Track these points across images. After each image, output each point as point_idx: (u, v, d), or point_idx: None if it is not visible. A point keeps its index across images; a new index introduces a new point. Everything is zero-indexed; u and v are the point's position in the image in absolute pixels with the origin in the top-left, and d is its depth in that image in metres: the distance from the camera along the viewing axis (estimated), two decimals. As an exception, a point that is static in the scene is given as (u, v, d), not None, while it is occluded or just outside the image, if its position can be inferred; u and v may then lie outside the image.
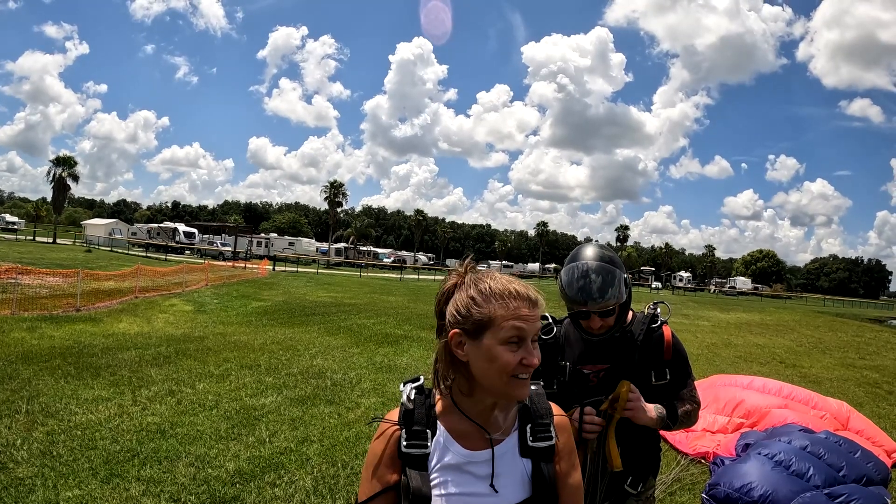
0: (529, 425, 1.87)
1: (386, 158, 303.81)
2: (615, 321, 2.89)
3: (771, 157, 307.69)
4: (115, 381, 9.28)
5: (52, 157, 78.80)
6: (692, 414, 2.93)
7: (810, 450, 6.49)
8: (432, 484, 1.75)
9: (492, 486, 1.75)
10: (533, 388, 1.92)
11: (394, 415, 1.86)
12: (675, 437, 7.88)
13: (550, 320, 3.06)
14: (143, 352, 11.72)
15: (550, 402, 1.97)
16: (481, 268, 1.91)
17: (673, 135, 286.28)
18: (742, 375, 10.49)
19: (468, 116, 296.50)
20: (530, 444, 1.84)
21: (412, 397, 1.87)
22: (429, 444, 1.79)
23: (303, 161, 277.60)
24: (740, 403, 8.44)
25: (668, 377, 2.90)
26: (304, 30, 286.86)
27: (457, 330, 1.77)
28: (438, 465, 1.77)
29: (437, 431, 1.82)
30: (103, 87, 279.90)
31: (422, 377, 1.94)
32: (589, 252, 2.88)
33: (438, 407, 1.87)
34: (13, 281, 16.81)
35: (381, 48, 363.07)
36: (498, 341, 1.71)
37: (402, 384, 1.93)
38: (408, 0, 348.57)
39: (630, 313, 3.02)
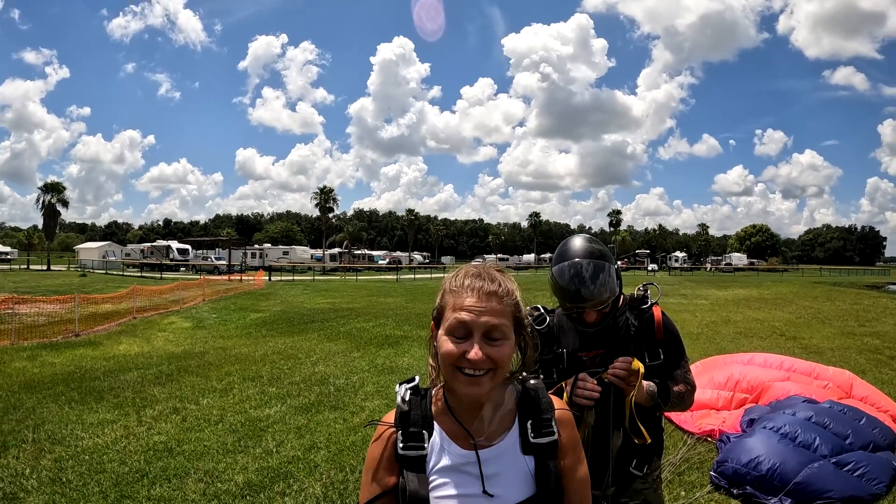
0: (530, 421, 1.82)
1: (374, 160, 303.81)
2: (610, 309, 2.94)
3: (758, 131, 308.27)
4: (118, 403, 9.30)
5: (40, 183, 78.53)
6: (686, 396, 2.93)
7: (815, 420, 6.53)
8: (431, 486, 1.73)
9: (484, 492, 1.72)
10: (533, 382, 1.90)
11: (391, 417, 1.84)
12: (680, 417, 7.90)
13: (543, 310, 3.07)
14: (145, 372, 11.74)
15: (552, 396, 1.92)
16: (477, 261, 1.97)
17: (659, 116, 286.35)
18: (742, 353, 10.53)
19: (454, 112, 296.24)
20: (532, 440, 1.80)
21: (407, 398, 1.83)
22: (426, 445, 1.77)
23: (291, 169, 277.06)
24: (742, 379, 8.46)
25: (662, 357, 2.93)
26: (284, 37, 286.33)
27: (432, 322, 1.83)
28: (436, 467, 1.75)
29: (434, 432, 1.80)
30: (86, 110, 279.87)
31: (417, 377, 1.91)
32: (577, 247, 2.90)
33: (435, 407, 1.85)
34: (10, 311, 16.77)
35: (362, 50, 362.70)
36: (444, 331, 1.72)
37: (397, 385, 1.90)
38: (386, 0, 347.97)
39: (621, 297, 3.04)
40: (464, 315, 1.68)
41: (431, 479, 1.74)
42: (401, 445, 1.76)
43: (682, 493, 5.91)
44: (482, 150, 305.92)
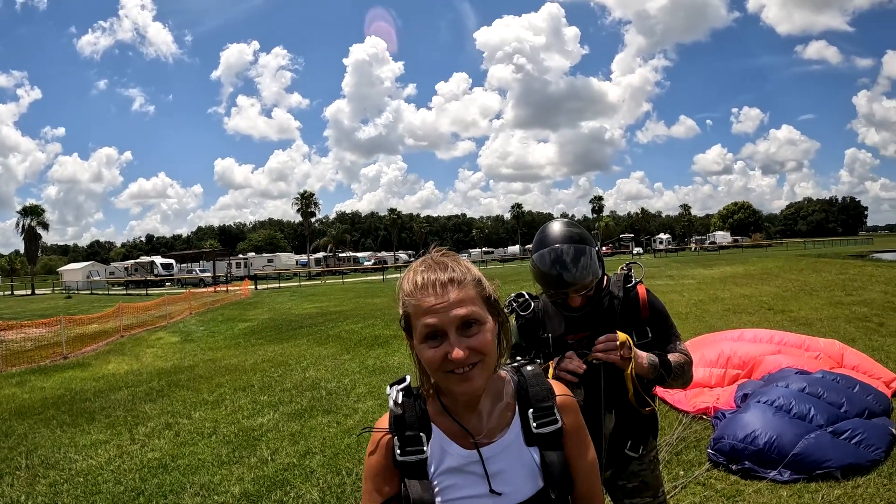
0: (531, 410, 1.74)
1: (353, 162, 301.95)
2: (594, 292, 2.92)
3: (734, 110, 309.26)
4: (110, 422, 9.26)
5: (19, 207, 77.81)
6: (686, 367, 2.89)
7: (809, 391, 6.54)
8: (435, 491, 1.65)
9: (492, 491, 1.64)
10: (530, 368, 1.83)
11: (385, 422, 1.74)
12: (673, 396, 7.92)
13: (527, 296, 3.06)
14: (136, 389, 11.69)
15: (552, 381, 1.83)
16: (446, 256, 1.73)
17: (636, 101, 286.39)
18: (731, 330, 10.56)
19: (430, 109, 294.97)
20: (534, 431, 1.71)
21: (400, 401, 1.73)
22: (425, 448, 1.67)
23: (271, 176, 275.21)
24: (733, 355, 8.48)
25: (650, 336, 2.91)
26: (256, 44, 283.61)
27: (405, 333, 1.71)
28: (439, 470, 1.67)
29: (433, 434, 1.70)
30: (61, 131, 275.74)
31: (408, 377, 1.80)
32: (556, 232, 2.88)
33: (430, 407, 1.75)
34: (-4, 339, 16.71)
35: (335, 52, 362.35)
36: (419, 340, 1.62)
37: (388, 387, 1.79)
38: (356, 1, 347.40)
39: (605, 279, 3.02)
40: (430, 319, 1.58)
41: (434, 483, 1.66)
42: (398, 451, 1.67)
43: (681, 472, 5.91)
44: (461, 145, 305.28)
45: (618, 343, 2.66)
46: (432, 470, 1.67)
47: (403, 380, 1.79)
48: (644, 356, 2.74)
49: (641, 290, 2.96)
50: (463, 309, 1.59)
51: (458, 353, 1.55)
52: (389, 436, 1.70)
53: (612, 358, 2.65)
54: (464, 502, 1.64)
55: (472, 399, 1.69)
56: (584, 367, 2.65)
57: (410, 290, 1.64)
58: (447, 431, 1.71)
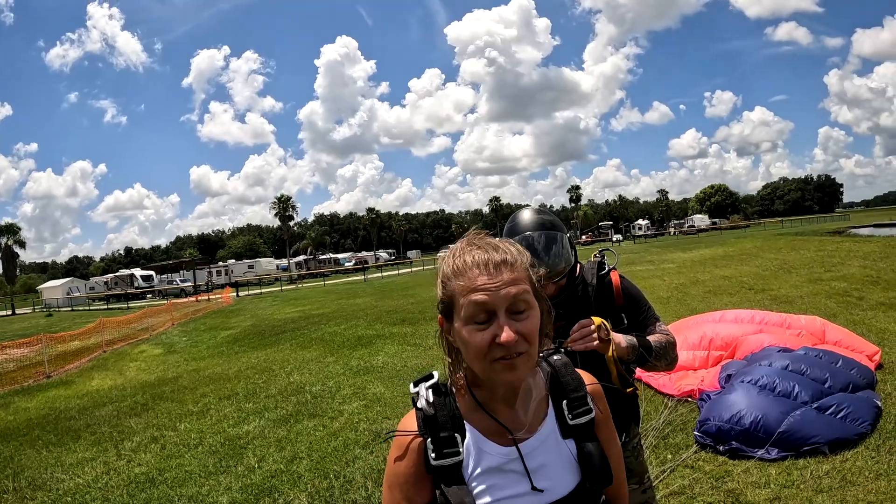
0: (565, 402, 1.67)
1: (329, 163, 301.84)
2: (567, 280, 2.91)
3: (707, 94, 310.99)
4: (96, 439, 9.19)
5: (-5, 226, 77.04)
6: (668, 347, 2.83)
7: (792, 368, 6.59)
8: (475, 493, 1.54)
9: (533, 488, 1.55)
10: (556, 358, 1.75)
11: (410, 423, 1.62)
12: (658, 380, 7.96)
13: None
14: (120, 404, 11.61)
15: (580, 371, 1.76)
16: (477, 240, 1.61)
17: (609, 89, 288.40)
18: (712, 312, 10.62)
19: (403, 107, 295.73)
20: (570, 422, 1.65)
21: (431, 399, 1.61)
22: (461, 450, 1.56)
23: (248, 182, 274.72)
24: (715, 337, 8.53)
25: (626, 322, 2.89)
26: (226, 49, 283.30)
27: (440, 315, 1.61)
28: (477, 472, 1.56)
29: (467, 433, 1.59)
30: (33, 146, 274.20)
31: (435, 373, 1.67)
32: (527, 220, 2.87)
33: (462, 404, 1.64)
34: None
35: (306, 54, 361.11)
36: (463, 322, 1.49)
37: (412, 385, 1.67)
38: (324, 1, 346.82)
39: (578, 266, 3.00)
40: (480, 296, 1.46)
41: (473, 485, 1.55)
42: (433, 455, 1.54)
43: (669, 456, 5.93)
44: (436, 141, 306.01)
45: (593, 328, 2.59)
46: (469, 472, 1.57)
47: (430, 376, 1.67)
48: (622, 338, 2.68)
49: (615, 276, 2.94)
50: (515, 288, 1.49)
51: (508, 334, 1.44)
52: (420, 439, 1.58)
53: (591, 345, 2.56)
54: (506, 503, 1.55)
55: (510, 392, 1.61)
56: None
57: (457, 269, 1.53)
58: (483, 429, 1.61)
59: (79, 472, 7.72)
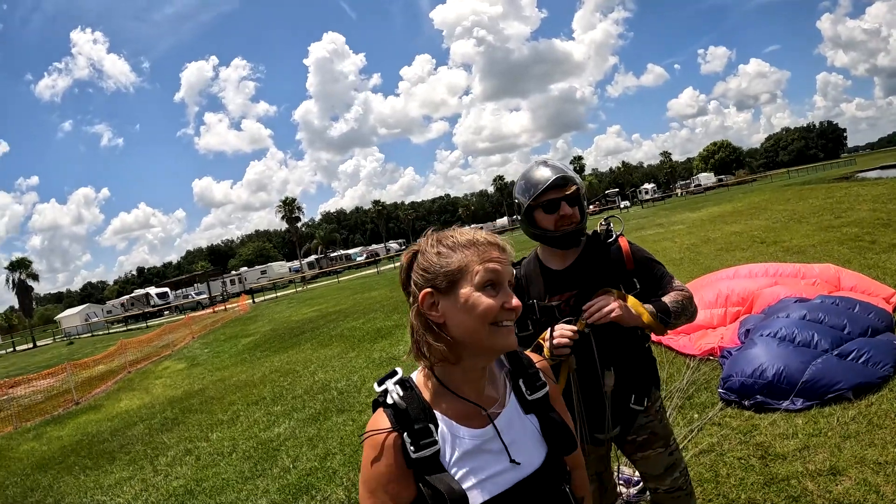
0: (521, 379, 1.78)
1: (330, 161, 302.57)
2: (582, 248, 2.96)
3: (700, 51, 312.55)
4: (131, 458, 9.29)
5: (6, 263, 77.40)
6: (686, 303, 2.86)
7: (810, 317, 6.60)
8: (458, 479, 1.58)
9: (512, 460, 1.63)
10: None
11: (381, 422, 1.63)
12: (678, 342, 7.98)
13: None
14: (150, 422, 11.72)
15: (524, 351, 1.90)
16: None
17: (601, 56, 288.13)
18: (726, 269, 10.60)
19: (397, 96, 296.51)
20: (529, 398, 1.75)
21: (401, 394, 1.65)
22: (437, 439, 1.60)
23: (251, 188, 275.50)
24: (731, 293, 8.54)
25: (639, 287, 2.91)
26: (214, 59, 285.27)
27: (428, 290, 1.64)
28: (455, 458, 1.61)
29: (439, 422, 1.63)
30: (34, 179, 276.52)
31: (398, 370, 1.73)
32: (539, 159, 2.98)
33: (427, 394, 1.69)
34: (6, 397, 16.68)
35: (295, 54, 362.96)
36: (475, 287, 1.60)
37: (376, 385, 1.71)
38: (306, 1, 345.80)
39: (584, 235, 3.03)
40: (496, 265, 1.63)
41: (452, 472, 1.59)
42: (412, 448, 1.56)
43: (696, 415, 5.96)
44: (434, 127, 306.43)
45: (611, 298, 2.68)
46: (447, 460, 1.61)
47: (395, 373, 1.73)
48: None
49: (623, 242, 2.96)
50: (512, 272, 1.71)
51: (517, 302, 1.63)
52: (395, 434, 1.60)
53: (611, 316, 2.62)
54: (489, 483, 1.60)
55: (478, 373, 1.71)
56: (576, 334, 2.65)
57: (475, 242, 1.67)
58: (453, 415, 1.66)
59: (118, 493, 7.81)
